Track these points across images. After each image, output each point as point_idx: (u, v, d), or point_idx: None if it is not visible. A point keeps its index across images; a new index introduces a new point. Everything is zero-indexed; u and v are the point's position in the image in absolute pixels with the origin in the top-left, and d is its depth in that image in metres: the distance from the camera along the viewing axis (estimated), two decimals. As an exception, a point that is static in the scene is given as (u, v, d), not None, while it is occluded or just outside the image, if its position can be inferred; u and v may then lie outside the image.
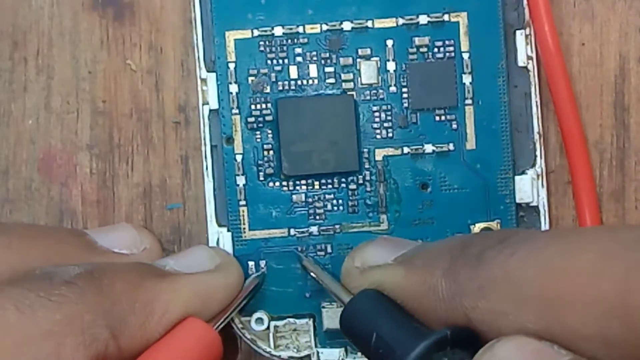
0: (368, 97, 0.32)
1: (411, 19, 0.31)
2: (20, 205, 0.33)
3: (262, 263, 0.32)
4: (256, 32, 0.32)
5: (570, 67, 0.33)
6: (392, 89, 0.32)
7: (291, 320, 0.32)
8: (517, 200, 0.32)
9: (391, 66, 0.32)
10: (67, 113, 0.33)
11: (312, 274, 0.31)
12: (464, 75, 0.31)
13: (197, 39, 0.32)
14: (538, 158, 0.32)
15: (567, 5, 0.33)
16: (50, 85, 0.33)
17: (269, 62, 0.32)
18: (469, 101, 0.31)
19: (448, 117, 0.32)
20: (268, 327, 0.32)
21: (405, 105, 0.32)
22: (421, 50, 0.32)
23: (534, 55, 0.32)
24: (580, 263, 0.21)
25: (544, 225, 0.32)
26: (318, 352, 0.32)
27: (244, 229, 0.32)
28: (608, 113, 0.33)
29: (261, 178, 0.32)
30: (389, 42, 0.32)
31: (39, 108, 0.33)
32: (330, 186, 0.32)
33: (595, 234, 0.23)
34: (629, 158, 0.33)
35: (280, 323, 0.32)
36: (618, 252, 0.21)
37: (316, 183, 0.32)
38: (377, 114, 0.32)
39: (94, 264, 0.28)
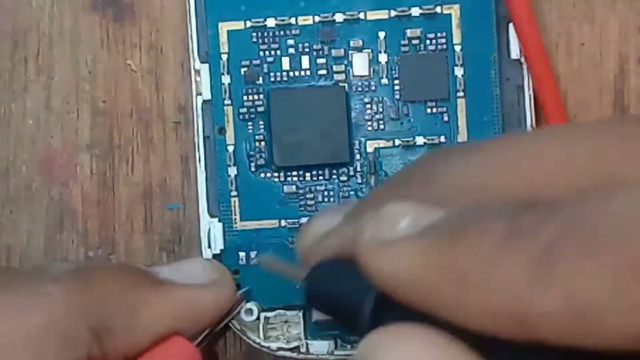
0: (360, 89, 0.32)
1: (403, 11, 0.31)
2: (21, 205, 0.34)
3: (253, 254, 0.32)
4: (249, 24, 0.32)
5: (570, 67, 0.33)
6: (384, 80, 0.32)
7: (281, 311, 0.32)
8: (509, 193, 0.31)
9: (383, 58, 0.32)
10: (67, 113, 0.34)
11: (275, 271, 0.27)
12: (455, 68, 0.31)
13: (191, 31, 0.32)
14: (531, 151, 0.31)
15: (566, 6, 0.33)
16: (51, 85, 0.34)
17: (261, 53, 0.32)
18: (460, 93, 0.31)
19: (439, 109, 0.31)
20: (258, 318, 0.31)
21: (397, 97, 0.32)
22: (413, 42, 0.32)
23: (527, 49, 0.31)
24: None
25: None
26: (307, 344, 0.31)
27: (235, 219, 0.32)
28: (608, 113, 0.33)
29: (253, 169, 0.32)
30: (381, 34, 0.32)
31: (39, 108, 0.34)
32: (321, 177, 0.32)
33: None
34: (628, 157, 0.32)
35: (270, 314, 0.32)
36: None
37: (307, 174, 0.32)
38: (368, 105, 0.32)
39: (86, 262, 0.27)
